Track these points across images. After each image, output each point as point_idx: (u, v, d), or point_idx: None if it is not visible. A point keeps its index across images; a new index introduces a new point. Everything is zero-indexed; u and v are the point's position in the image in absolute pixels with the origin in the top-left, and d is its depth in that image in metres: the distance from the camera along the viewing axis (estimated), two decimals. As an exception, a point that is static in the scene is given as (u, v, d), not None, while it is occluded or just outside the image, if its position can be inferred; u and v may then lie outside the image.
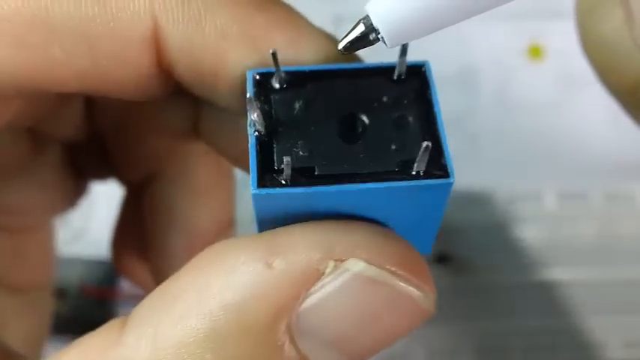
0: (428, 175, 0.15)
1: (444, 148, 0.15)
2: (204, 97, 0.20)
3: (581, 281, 0.37)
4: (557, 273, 0.37)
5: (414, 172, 0.15)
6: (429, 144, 0.15)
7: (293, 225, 0.16)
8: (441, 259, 0.37)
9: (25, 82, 0.18)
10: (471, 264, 0.37)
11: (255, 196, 0.15)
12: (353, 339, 0.15)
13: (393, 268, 0.15)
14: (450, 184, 0.15)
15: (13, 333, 0.24)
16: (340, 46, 0.15)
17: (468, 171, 0.39)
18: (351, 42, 0.15)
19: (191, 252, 0.16)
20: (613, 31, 0.20)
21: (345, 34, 0.14)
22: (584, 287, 0.36)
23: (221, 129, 0.23)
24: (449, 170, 0.15)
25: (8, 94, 0.19)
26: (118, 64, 0.18)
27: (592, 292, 0.36)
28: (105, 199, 0.30)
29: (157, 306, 0.16)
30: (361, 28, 0.14)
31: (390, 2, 0.14)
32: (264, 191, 0.15)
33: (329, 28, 0.47)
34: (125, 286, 0.35)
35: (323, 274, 0.15)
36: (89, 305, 0.35)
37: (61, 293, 0.34)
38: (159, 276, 0.28)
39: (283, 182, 0.15)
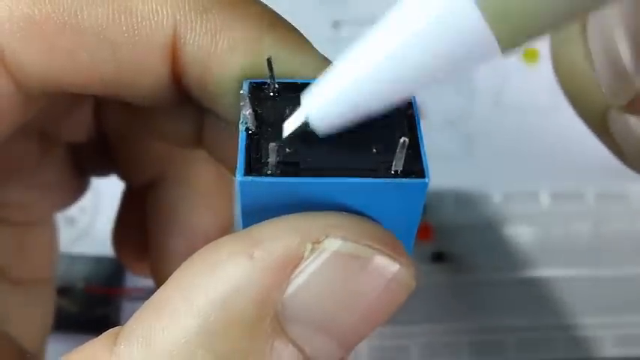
0: (405, 174, 0.16)
1: (422, 152, 0.16)
2: (207, 107, 0.20)
3: (575, 279, 0.37)
4: (551, 271, 0.37)
5: (392, 172, 0.16)
6: (406, 139, 0.15)
7: (272, 218, 0.16)
8: (437, 257, 0.37)
9: (51, 84, 0.19)
10: (467, 262, 0.37)
11: (240, 183, 0.16)
12: (340, 319, 0.16)
13: (368, 242, 0.16)
14: (425, 184, 0.16)
15: (16, 327, 0.24)
16: (285, 134, 0.17)
17: (463, 171, 0.39)
18: (293, 131, 0.16)
19: (190, 255, 0.17)
20: (582, 62, 0.21)
21: (289, 124, 0.16)
22: (577, 285, 0.37)
23: (222, 139, 0.23)
24: (425, 171, 0.16)
25: (34, 94, 0.20)
26: (138, 69, 0.19)
27: (585, 290, 0.37)
28: (109, 198, 0.31)
29: (146, 314, 0.16)
30: (299, 120, 0.16)
31: (317, 104, 0.16)
32: (249, 179, 0.16)
33: (328, 33, 0.47)
34: (130, 283, 0.36)
35: (302, 257, 0.15)
36: (94, 302, 0.35)
37: (66, 291, 0.34)
38: (159, 277, 0.28)
39: (268, 172, 0.16)
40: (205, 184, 0.28)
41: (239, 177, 0.16)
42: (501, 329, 0.36)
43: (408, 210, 0.17)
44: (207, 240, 0.16)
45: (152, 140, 0.26)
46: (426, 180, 0.16)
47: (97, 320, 0.34)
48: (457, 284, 0.37)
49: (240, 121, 0.17)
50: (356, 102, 0.15)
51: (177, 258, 0.27)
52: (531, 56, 0.42)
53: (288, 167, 0.16)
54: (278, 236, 0.16)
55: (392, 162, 0.16)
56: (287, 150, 0.16)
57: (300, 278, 0.15)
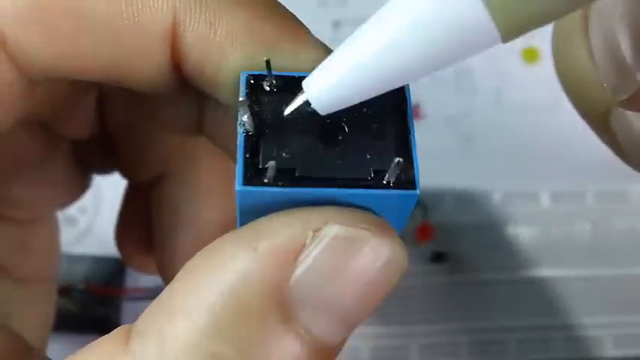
0: (397, 185, 0.17)
1: (414, 162, 0.17)
2: (207, 93, 0.21)
3: (575, 279, 0.37)
4: (551, 271, 0.37)
5: (384, 182, 0.17)
6: (400, 160, 0.16)
7: (272, 214, 0.17)
8: (437, 257, 0.37)
9: (52, 69, 0.19)
10: (467, 262, 0.37)
11: (239, 192, 0.17)
12: (341, 299, 0.17)
13: (364, 226, 0.17)
14: (416, 195, 0.17)
15: (18, 325, 0.24)
16: (285, 113, 0.17)
17: (464, 170, 0.39)
18: (293, 111, 0.17)
19: (197, 250, 0.17)
20: (585, 60, 0.21)
21: (290, 104, 0.17)
22: (577, 285, 0.37)
23: (222, 124, 0.24)
24: (416, 183, 0.17)
25: (36, 81, 0.20)
26: (138, 55, 0.19)
27: (585, 290, 0.37)
28: (110, 198, 0.31)
29: (157, 312, 0.16)
30: (300, 100, 0.17)
31: (319, 84, 0.16)
32: (247, 188, 0.16)
33: (328, 33, 0.48)
34: (130, 283, 0.36)
35: (305, 245, 0.16)
36: (94, 302, 0.35)
37: (66, 290, 0.35)
38: (165, 273, 0.28)
39: (266, 181, 0.16)
40: (209, 179, 0.28)
41: (238, 187, 0.16)
42: (501, 329, 0.36)
43: (398, 214, 0.18)
44: (212, 234, 0.17)
45: (154, 132, 0.27)
46: (417, 192, 0.17)
47: (97, 320, 0.35)
48: (457, 284, 0.37)
49: (238, 124, 0.17)
50: (355, 83, 0.16)
51: (184, 253, 0.27)
52: (531, 55, 0.42)
53: (285, 175, 0.17)
54: (280, 228, 0.16)
55: (384, 170, 0.17)
56: (284, 155, 0.17)
57: (304, 263, 0.16)
